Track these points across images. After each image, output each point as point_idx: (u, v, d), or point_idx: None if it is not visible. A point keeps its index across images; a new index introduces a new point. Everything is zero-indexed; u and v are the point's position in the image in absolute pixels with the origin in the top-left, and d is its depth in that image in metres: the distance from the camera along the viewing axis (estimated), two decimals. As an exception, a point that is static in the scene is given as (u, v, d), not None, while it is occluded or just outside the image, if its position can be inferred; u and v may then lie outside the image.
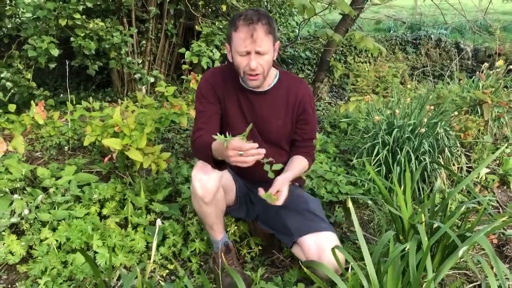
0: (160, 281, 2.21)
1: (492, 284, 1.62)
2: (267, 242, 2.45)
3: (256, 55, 1.88)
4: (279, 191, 1.92)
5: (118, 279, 2.21)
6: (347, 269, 1.76)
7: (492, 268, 1.86)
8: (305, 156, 2.19)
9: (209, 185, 1.95)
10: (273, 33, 1.91)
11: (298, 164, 2.14)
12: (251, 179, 2.27)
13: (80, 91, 5.54)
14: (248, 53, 1.88)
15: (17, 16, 4.59)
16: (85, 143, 2.55)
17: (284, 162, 2.10)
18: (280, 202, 1.90)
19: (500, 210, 2.92)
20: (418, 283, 1.68)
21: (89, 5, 4.16)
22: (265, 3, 5.91)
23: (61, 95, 5.12)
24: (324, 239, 1.94)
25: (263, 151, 1.68)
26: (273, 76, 2.11)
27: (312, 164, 2.34)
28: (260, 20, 1.84)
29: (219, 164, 1.90)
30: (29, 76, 4.20)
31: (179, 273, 2.28)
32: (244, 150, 1.64)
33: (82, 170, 3.13)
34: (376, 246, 1.85)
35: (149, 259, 2.35)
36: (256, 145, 1.67)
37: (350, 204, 1.85)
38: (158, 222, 1.66)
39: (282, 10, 6.21)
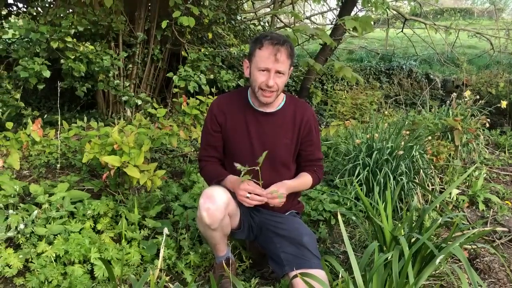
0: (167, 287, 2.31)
1: (466, 291, 1.80)
2: (259, 256, 2.58)
3: (275, 74, 2.05)
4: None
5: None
6: (335, 277, 1.91)
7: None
8: (311, 173, 2.31)
9: (216, 214, 2.08)
10: (292, 58, 2.11)
11: (301, 177, 2.28)
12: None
13: (64, 112, 5.61)
14: (268, 70, 2.04)
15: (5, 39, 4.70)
16: (84, 160, 2.66)
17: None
18: (275, 200, 2.06)
19: (470, 228, 3.14)
20: (401, 288, 1.85)
21: (80, 29, 4.30)
22: (248, 33, 6.17)
23: (45, 115, 5.18)
24: (313, 279, 1.91)
25: (265, 199, 2.03)
26: (280, 98, 2.26)
27: (318, 183, 2.45)
28: (284, 43, 2.03)
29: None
30: (18, 96, 4.28)
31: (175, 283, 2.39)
32: (255, 193, 2.01)
33: (74, 188, 3.21)
34: (362, 256, 2.01)
35: (145, 271, 2.45)
36: (264, 192, 2.01)
37: (339, 217, 2.02)
38: (165, 230, 1.79)
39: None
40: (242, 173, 1.93)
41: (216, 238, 2.24)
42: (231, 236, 2.40)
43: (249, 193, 2.03)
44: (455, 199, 3.46)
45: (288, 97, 2.31)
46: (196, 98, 3.87)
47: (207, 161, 2.32)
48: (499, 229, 3.09)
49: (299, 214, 2.52)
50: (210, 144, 2.30)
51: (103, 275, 2.35)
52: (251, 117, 2.23)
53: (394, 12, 8.38)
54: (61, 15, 4.48)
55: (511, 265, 2.67)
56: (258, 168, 1.96)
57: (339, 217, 2.05)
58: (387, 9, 5.45)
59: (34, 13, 4.87)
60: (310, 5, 9.87)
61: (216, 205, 2.07)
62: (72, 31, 4.25)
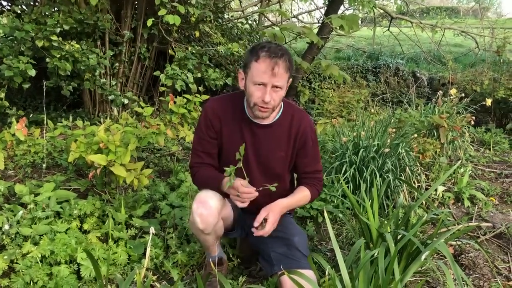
0: (154, 286, 2.31)
1: (450, 286, 1.83)
2: (248, 254, 2.58)
3: (272, 89, 1.92)
4: (266, 219, 2.04)
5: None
6: (322, 274, 1.93)
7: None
8: (309, 187, 2.24)
9: (210, 220, 2.06)
10: (291, 71, 1.97)
11: (297, 194, 2.22)
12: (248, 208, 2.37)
13: (50, 111, 5.55)
14: (264, 85, 1.92)
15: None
16: (69, 159, 2.63)
17: (285, 192, 2.24)
18: (265, 231, 2.03)
19: (455, 224, 3.18)
20: (387, 284, 1.86)
21: (66, 27, 4.26)
22: (236, 31, 6.16)
23: (31, 114, 5.12)
24: (301, 278, 1.87)
25: (256, 194, 1.96)
26: (278, 108, 2.12)
27: (318, 196, 2.36)
28: (282, 56, 1.90)
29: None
30: (2, 95, 4.22)
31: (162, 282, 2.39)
32: (241, 192, 1.93)
33: (60, 188, 3.18)
34: (348, 253, 2.03)
35: (132, 270, 2.43)
36: (253, 189, 1.94)
37: (326, 215, 2.03)
38: (152, 230, 1.78)
39: (251, 38, 6.47)
40: (230, 173, 1.90)
41: (209, 241, 2.23)
42: (224, 236, 2.39)
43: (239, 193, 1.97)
44: (440, 196, 3.50)
45: (286, 106, 2.18)
46: (184, 97, 3.85)
47: (198, 168, 2.20)
48: (483, 224, 3.14)
49: (291, 214, 2.52)
50: (205, 151, 2.19)
51: (90, 275, 2.33)
52: (247, 128, 2.14)
53: (381, 11, 8.43)
54: (46, 13, 4.43)
55: (495, 261, 2.71)
56: (241, 166, 1.90)
57: (326, 214, 2.06)
58: (373, 8, 5.49)
59: (19, 11, 4.80)
60: (297, 3, 9.89)
61: (209, 210, 2.05)
62: (58, 30, 4.20)
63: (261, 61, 1.90)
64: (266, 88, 1.92)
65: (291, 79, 2.07)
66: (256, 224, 2.03)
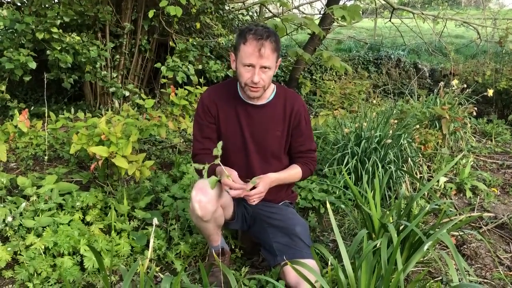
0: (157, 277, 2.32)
1: (453, 275, 1.83)
2: (250, 245, 2.59)
3: (260, 69, 2.02)
4: (255, 186, 2.06)
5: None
6: (325, 265, 1.93)
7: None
8: (301, 165, 2.30)
9: (208, 207, 2.07)
10: (278, 51, 2.07)
11: (289, 169, 2.28)
12: None
13: (51, 104, 5.55)
14: (253, 66, 2.01)
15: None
16: (71, 151, 2.63)
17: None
18: (253, 200, 2.05)
19: (458, 214, 3.18)
20: (389, 274, 1.86)
21: (66, 19, 4.25)
22: (237, 23, 6.13)
23: (32, 107, 5.12)
24: (304, 268, 1.88)
25: (248, 186, 1.99)
26: (271, 89, 2.24)
27: (310, 175, 2.44)
28: (269, 37, 1.99)
29: None
30: (3, 88, 4.22)
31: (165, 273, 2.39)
32: (232, 187, 1.97)
33: (62, 180, 3.19)
34: (351, 244, 2.03)
35: (135, 261, 2.44)
36: (240, 185, 1.97)
37: (328, 206, 2.03)
38: (155, 221, 1.78)
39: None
40: (205, 171, 1.92)
41: (209, 230, 2.24)
42: (225, 226, 2.40)
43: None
44: (442, 186, 3.50)
45: (278, 88, 2.29)
46: (185, 89, 3.85)
47: (203, 155, 2.23)
48: (485, 215, 3.14)
49: (293, 204, 2.54)
50: (206, 136, 2.26)
51: (93, 266, 2.34)
52: (242, 110, 2.22)
53: (382, 2, 8.38)
54: (46, 5, 4.41)
55: (497, 251, 2.72)
56: (219, 160, 1.93)
57: (328, 205, 2.06)
58: (375, -2, 5.47)
59: (19, 4, 4.80)
60: (299, -6, 9.84)
61: (208, 197, 2.07)
62: (58, 22, 4.19)
63: (248, 43, 1.99)
64: (254, 69, 2.02)
65: (280, 59, 2.18)
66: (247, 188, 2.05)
